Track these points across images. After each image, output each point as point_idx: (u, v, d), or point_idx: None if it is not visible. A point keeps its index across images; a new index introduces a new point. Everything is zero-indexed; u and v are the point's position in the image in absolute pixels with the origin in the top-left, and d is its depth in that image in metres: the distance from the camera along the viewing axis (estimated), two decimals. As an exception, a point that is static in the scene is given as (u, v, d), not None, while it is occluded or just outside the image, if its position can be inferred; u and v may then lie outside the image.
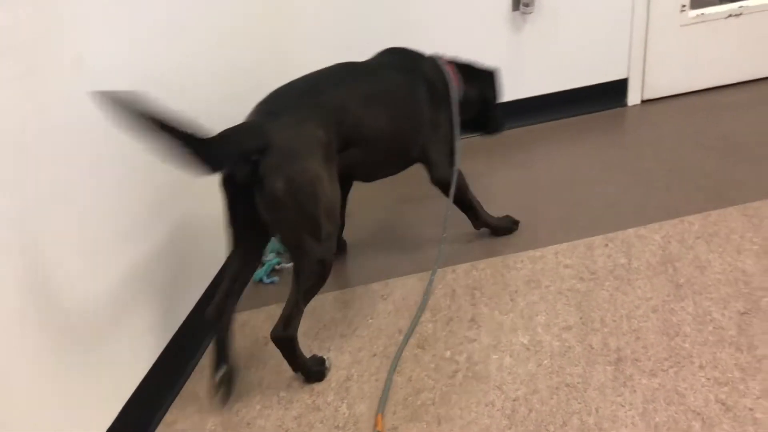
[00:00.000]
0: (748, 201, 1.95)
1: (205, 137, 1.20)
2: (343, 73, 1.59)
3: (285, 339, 1.45)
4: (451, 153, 1.80)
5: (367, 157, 1.59)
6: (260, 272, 1.86)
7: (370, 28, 2.32)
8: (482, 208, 1.91)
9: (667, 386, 1.38)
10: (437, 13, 2.34)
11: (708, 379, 1.39)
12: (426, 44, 1.84)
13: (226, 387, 1.50)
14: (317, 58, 1.66)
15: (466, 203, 1.87)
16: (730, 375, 1.39)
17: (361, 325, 1.69)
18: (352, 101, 1.52)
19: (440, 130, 1.77)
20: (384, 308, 1.74)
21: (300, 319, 1.46)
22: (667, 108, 2.55)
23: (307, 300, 1.47)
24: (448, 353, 1.54)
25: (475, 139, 2.27)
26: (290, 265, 1.88)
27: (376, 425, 1.37)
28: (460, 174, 1.81)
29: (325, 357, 1.57)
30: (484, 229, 1.95)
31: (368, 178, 1.77)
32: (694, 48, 2.53)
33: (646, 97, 2.60)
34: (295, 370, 1.52)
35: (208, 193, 1.46)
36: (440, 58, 1.84)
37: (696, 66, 2.57)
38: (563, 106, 2.56)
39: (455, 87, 1.82)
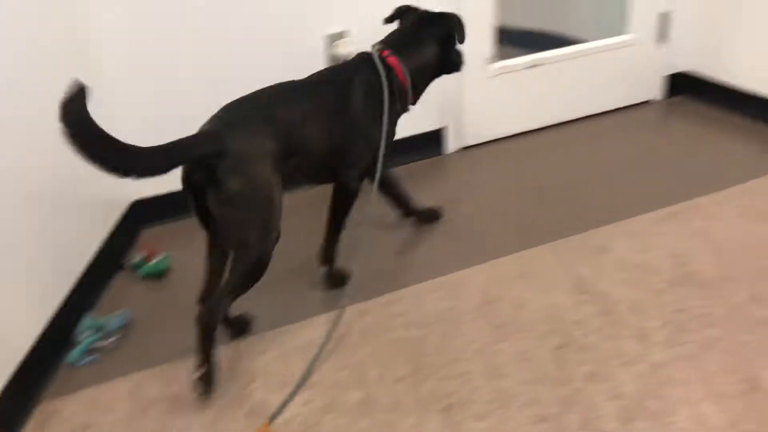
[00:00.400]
0: (557, 239, 2.10)
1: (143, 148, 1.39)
2: (287, 90, 1.70)
3: (208, 326, 1.54)
4: (373, 162, 1.82)
5: (306, 165, 1.71)
6: (75, 353, 1.72)
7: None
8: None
9: (494, 428, 1.43)
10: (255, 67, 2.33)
11: (530, 416, 1.46)
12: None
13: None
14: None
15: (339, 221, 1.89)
16: (550, 410, 1.47)
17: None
18: (295, 117, 1.64)
19: (371, 138, 1.81)
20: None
21: (224, 312, 1.63)
22: (483, 154, 2.70)
23: (236, 294, 1.59)
24: (281, 419, 1.50)
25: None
26: (109, 341, 1.76)
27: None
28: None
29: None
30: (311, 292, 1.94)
31: (311, 179, 1.92)
32: (503, 97, 2.71)
33: (464, 144, 2.74)
34: (198, 359, 1.55)
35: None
36: (380, 52, 1.83)
37: (505, 113, 2.76)
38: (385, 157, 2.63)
39: (398, 86, 1.83)
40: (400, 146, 2.60)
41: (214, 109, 1.61)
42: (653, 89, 3.03)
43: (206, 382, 1.56)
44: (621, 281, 1.88)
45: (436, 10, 1.93)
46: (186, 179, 1.53)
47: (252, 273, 1.57)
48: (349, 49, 2.35)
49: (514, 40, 2.88)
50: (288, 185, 1.63)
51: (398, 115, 1.89)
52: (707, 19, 2.88)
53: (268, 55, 2.27)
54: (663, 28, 2.88)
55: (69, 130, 1.28)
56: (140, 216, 2.31)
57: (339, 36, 2.37)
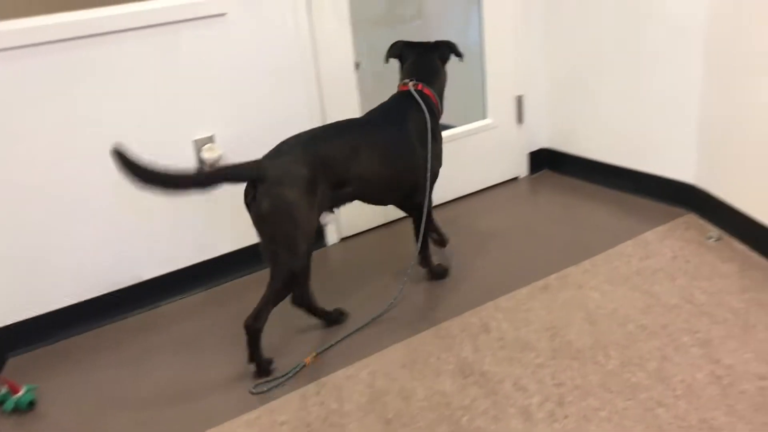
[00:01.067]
0: (440, 322, 2.13)
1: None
2: (340, 128, 2.01)
3: (253, 329, 1.88)
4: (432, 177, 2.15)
5: (365, 191, 2.04)
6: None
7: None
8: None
9: None
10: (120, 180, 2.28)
11: None
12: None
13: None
14: None
15: (427, 228, 2.25)
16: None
17: None
18: (341, 151, 1.92)
19: (424, 160, 2.13)
20: None
21: (267, 316, 1.89)
22: (361, 243, 2.73)
23: (275, 302, 1.89)
24: None
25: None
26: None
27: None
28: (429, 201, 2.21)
29: (272, 359, 1.98)
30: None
31: (378, 203, 2.21)
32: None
33: (344, 235, 2.76)
34: (250, 360, 1.94)
35: None
36: (416, 86, 2.19)
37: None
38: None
39: (435, 109, 2.20)
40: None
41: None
42: (520, 166, 3.19)
43: (260, 372, 1.94)
44: (503, 360, 1.91)
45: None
46: (246, 199, 1.85)
47: (285, 284, 1.88)
48: (217, 153, 2.36)
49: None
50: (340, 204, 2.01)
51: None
52: (555, 100, 3.11)
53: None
54: (519, 110, 3.07)
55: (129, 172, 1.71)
56: (5, 344, 2.18)
57: (207, 140, 2.37)
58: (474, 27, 2.98)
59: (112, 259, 2.33)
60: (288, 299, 2.00)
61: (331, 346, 2.06)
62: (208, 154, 2.35)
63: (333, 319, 2.17)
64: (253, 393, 1.89)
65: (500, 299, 2.21)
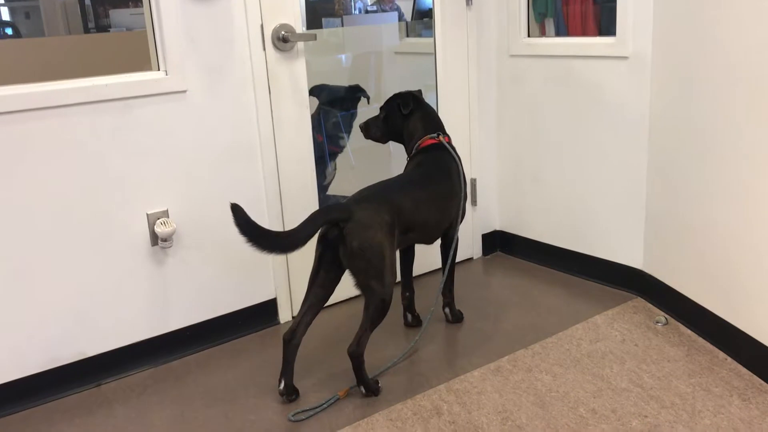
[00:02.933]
0: (392, 404, 2.09)
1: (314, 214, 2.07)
2: (404, 182, 2.32)
3: (356, 354, 2.10)
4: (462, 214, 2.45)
5: (424, 235, 2.37)
6: None
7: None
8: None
9: None
10: (65, 254, 2.23)
11: None
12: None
13: (287, 395, 2.16)
14: None
15: (453, 262, 2.51)
16: None
17: None
18: (408, 202, 2.20)
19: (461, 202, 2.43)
20: None
21: (367, 341, 2.10)
22: (315, 321, 2.69)
23: (372, 327, 2.11)
24: None
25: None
26: None
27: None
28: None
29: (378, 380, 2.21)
30: None
31: (427, 242, 2.45)
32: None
33: (296, 312, 2.72)
34: (358, 382, 2.16)
35: None
36: (445, 139, 2.45)
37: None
38: (217, 333, 2.56)
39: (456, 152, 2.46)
40: (232, 320, 2.59)
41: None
42: (473, 247, 3.24)
43: (369, 391, 2.16)
44: (453, 444, 1.89)
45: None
46: (322, 236, 2.09)
47: (380, 311, 2.09)
48: (171, 228, 2.34)
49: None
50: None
51: None
52: (507, 184, 3.20)
53: (90, 231, 2.25)
54: (473, 192, 3.14)
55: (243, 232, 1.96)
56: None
57: (161, 214, 2.36)
58: (430, 111, 3.09)
59: (52, 333, 2.25)
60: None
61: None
62: (161, 229, 2.33)
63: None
64: (291, 420, 2.06)
65: (453, 381, 2.19)
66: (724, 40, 2.13)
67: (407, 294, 2.60)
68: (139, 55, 2.47)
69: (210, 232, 2.48)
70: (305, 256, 2.58)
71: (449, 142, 2.45)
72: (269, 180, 2.56)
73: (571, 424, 1.93)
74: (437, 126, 2.48)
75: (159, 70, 2.31)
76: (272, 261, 2.63)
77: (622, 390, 2.09)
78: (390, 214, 2.11)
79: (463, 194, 2.43)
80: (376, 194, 2.18)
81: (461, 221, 2.45)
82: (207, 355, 2.50)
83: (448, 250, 2.48)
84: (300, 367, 2.22)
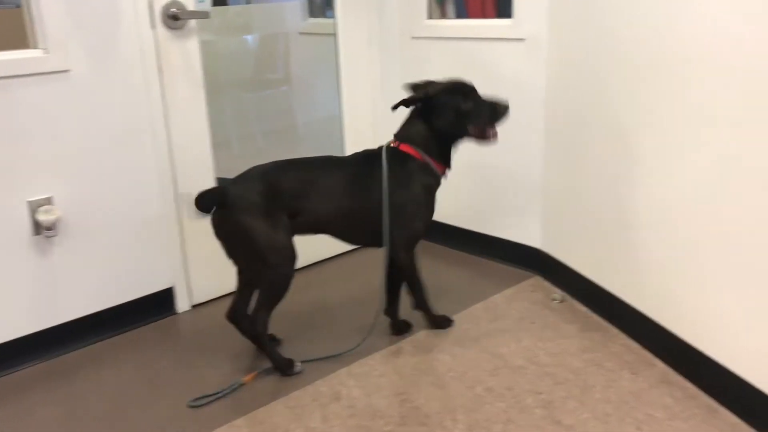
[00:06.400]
0: (292, 391, 2.06)
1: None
2: (299, 164, 2.14)
3: (254, 334, 2.11)
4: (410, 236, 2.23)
5: (325, 227, 2.17)
6: None
7: None
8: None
9: None
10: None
11: None
12: None
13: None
14: None
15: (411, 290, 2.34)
16: None
17: None
18: (293, 182, 2.07)
19: (401, 214, 2.16)
20: None
21: (264, 320, 2.08)
22: (216, 310, 2.62)
23: (268, 306, 2.08)
24: None
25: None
26: None
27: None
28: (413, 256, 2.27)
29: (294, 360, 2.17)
30: None
31: (347, 241, 2.30)
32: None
33: (196, 301, 2.65)
34: (270, 361, 2.16)
35: None
36: (395, 143, 2.20)
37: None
38: (111, 325, 2.45)
39: (420, 163, 2.18)
40: (127, 310, 2.48)
41: None
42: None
43: (281, 369, 2.15)
44: (352, 428, 1.87)
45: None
46: (212, 221, 2.07)
47: (270, 292, 2.07)
48: (54, 215, 2.22)
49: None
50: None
51: None
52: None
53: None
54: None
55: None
56: None
57: (44, 202, 2.22)
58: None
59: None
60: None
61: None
62: (44, 217, 2.20)
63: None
64: (190, 406, 2.01)
65: (353, 365, 2.18)
66: (614, 27, 2.18)
67: (389, 308, 2.40)
68: (22, 31, 2.32)
69: (99, 220, 2.36)
70: (203, 242, 2.52)
71: (400, 144, 2.19)
72: (161, 164, 2.46)
73: (468, 404, 1.96)
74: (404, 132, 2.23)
75: (38, 48, 2.17)
76: (168, 249, 2.54)
77: (518, 368, 2.13)
78: (262, 194, 2.02)
79: (407, 213, 2.17)
80: (256, 173, 2.08)
81: (406, 246, 2.22)
82: (101, 348, 2.39)
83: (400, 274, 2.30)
84: (207, 352, 2.16)
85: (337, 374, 2.14)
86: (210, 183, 2.61)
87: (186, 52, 2.45)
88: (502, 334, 2.34)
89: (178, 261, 2.58)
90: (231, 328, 2.23)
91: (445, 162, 2.24)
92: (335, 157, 2.27)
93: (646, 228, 2.15)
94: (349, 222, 2.17)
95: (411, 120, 2.23)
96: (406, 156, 2.17)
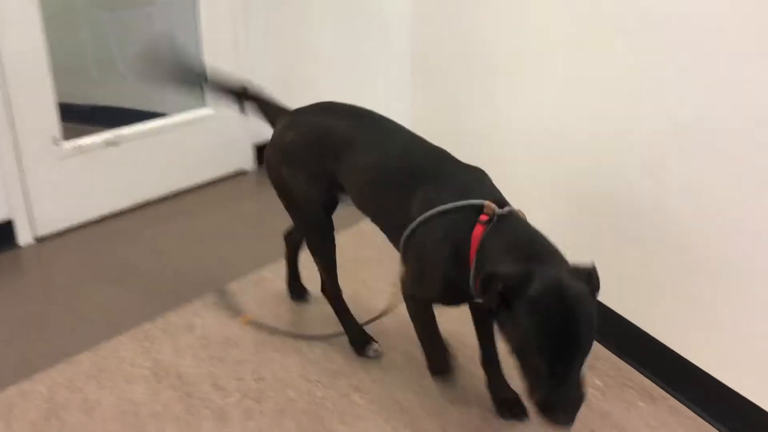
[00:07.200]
0: (142, 323, 1.95)
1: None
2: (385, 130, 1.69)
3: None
4: None
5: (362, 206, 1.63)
6: None
7: None
8: None
9: None
10: None
11: None
12: None
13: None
14: None
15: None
16: None
17: None
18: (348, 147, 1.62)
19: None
20: None
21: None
22: (63, 243, 2.43)
23: (312, 254, 1.80)
24: None
25: None
26: None
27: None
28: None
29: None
30: None
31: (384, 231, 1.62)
32: (79, 178, 2.50)
33: (40, 234, 2.44)
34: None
35: None
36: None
37: (86, 196, 2.54)
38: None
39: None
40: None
41: None
42: (245, 160, 3.09)
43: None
44: (204, 359, 1.80)
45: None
46: None
47: (308, 244, 1.80)
48: None
49: (86, 118, 2.72)
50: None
51: None
52: (278, 95, 3.05)
53: None
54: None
55: None
56: None
57: None
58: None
59: None
60: None
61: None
62: None
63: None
64: None
65: (210, 295, 2.08)
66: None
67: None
68: None
69: None
70: (46, 170, 2.32)
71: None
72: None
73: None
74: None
75: None
76: (3, 179, 2.30)
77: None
78: (305, 144, 1.68)
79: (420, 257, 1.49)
80: (315, 110, 1.74)
81: (407, 288, 1.54)
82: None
83: None
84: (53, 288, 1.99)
85: (193, 304, 2.04)
86: (50, 109, 2.38)
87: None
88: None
89: (17, 192, 2.34)
90: (73, 261, 2.07)
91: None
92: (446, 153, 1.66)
93: (511, 158, 2.15)
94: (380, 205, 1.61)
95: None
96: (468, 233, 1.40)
